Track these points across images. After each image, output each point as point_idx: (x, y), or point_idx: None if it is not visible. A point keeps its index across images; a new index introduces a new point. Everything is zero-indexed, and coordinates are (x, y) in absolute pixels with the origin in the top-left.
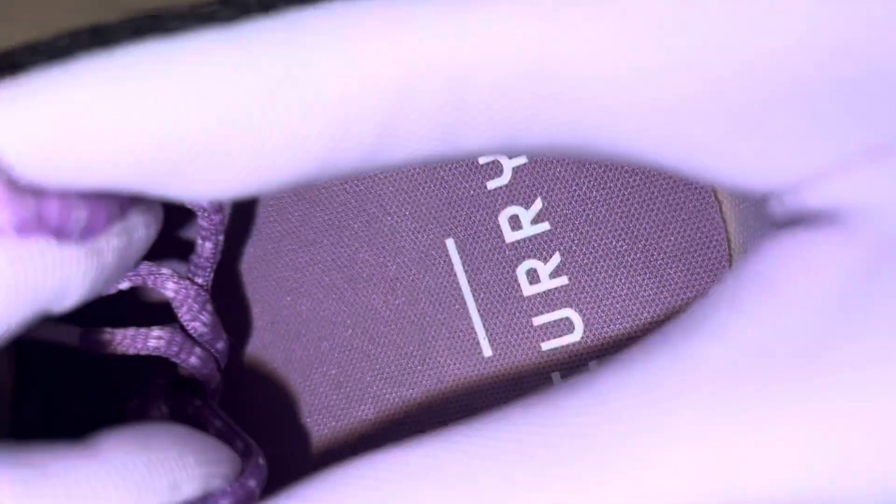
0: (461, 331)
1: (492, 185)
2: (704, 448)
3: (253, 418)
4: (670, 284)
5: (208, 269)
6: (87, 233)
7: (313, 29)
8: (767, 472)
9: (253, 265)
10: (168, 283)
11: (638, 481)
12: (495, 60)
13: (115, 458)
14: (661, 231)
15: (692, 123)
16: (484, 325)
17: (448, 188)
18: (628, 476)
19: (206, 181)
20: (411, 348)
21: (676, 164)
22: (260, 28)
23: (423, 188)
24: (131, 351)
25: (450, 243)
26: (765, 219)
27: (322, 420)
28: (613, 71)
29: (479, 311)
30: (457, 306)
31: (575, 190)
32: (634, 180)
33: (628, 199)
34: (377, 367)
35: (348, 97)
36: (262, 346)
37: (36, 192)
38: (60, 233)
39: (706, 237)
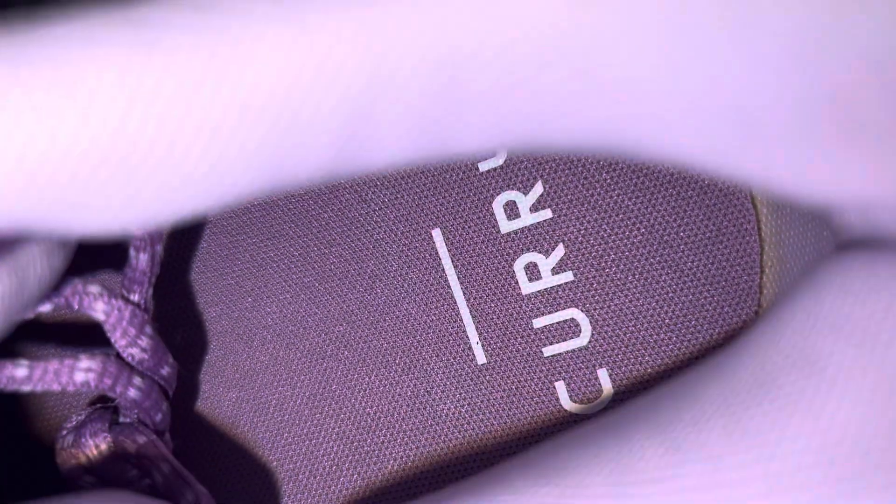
0: (451, 334)
1: (485, 166)
2: None
3: (209, 445)
4: (692, 280)
5: (145, 284)
6: None
7: (244, 4)
8: None
9: (208, 263)
10: (97, 304)
11: None
12: (503, 43)
13: None
14: (682, 218)
15: (787, 127)
16: (477, 328)
17: (434, 171)
18: None
19: (107, 213)
20: (394, 355)
21: (740, 173)
22: (168, 4)
23: (406, 171)
24: (54, 387)
25: (436, 234)
26: (811, 213)
27: (292, 441)
28: (675, 61)
29: (470, 311)
30: (445, 306)
31: (581, 172)
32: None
33: (643, 183)
34: (355, 377)
35: (300, 93)
36: (221, 356)
37: None
38: None
39: (733, 224)
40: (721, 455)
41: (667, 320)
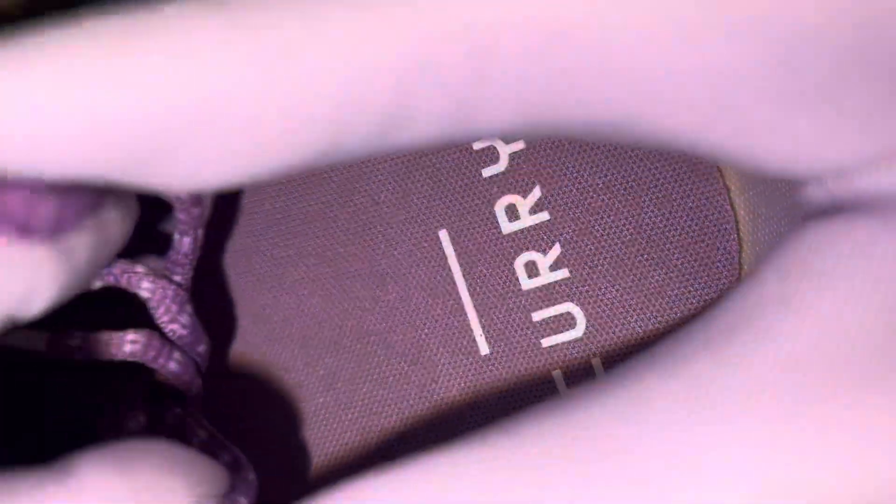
0: (456, 328)
1: (487, 172)
2: (762, 461)
3: (237, 426)
4: (677, 275)
5: (187, 266)
6: (55, 229)
7: None
8: (834, 481)
9: (234, 260)
10: (143, 283)
11: (695, 499)
12: (521, 29)
13: (93, 486)
14: (667, 220)
15: (749, 96)
16: (480, 322)
17: (441, 176)
18: (683, 494)
19: (190, 168)
20: (403, 347)
21: (716, 147)
22: None
23: (415, 176)
24: (104, 356)
25: (443, 235)
26: (781, 206)
27: (311, 425)
28: (658, 35)
29: (474, 306)
30: (451, 302)
31: (575, 177)
32: (638, 166)
33: (632, 187)
34: (367, 367)
35: (358, 71)
36: (246, 347)
37: None
38: (25, 229)
39: (714, 225)
40: (704, 378)
41: (654, 313)
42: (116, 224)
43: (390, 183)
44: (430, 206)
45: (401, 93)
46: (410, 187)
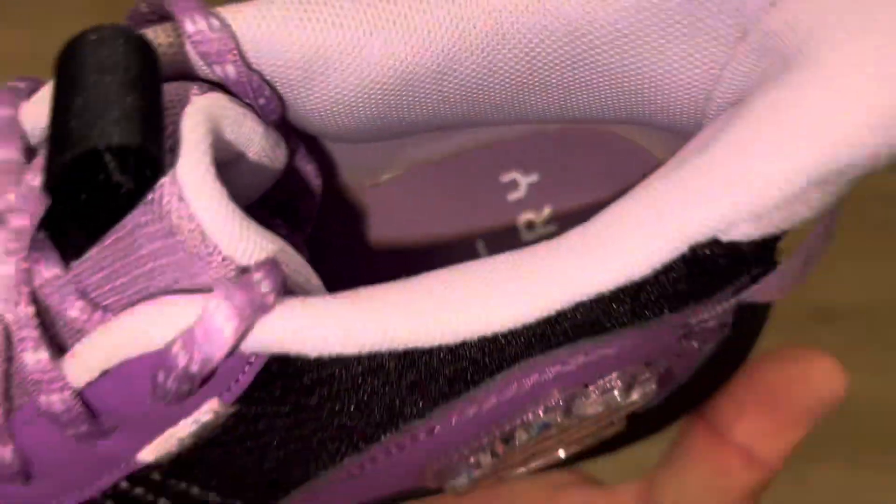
0: None
1: (511, 197)
2: (665, 206)
3: None
4: None
5: (307, 227)
6: (264, 111)
7: None
8: (715, 200)
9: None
10: (280, 230)
11: (632, 241)
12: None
13: None
14: None
15: (647, 28)
16: None
17: (478, 201)
18: (629, 239)
19: (336, 84)
20: None
21: (643, 95)
22: None
23: (459, 202)
24: None
25: (479, 243)
26: None
27: None
28: None
29: None
30: None
31: (576, 199)
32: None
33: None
34: None
35: (451, 33)
36: None
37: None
38: (257, 97)
39: None
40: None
41: None
42: (277, 160)
43: (441, 206)
44: (469, 223)
45: (487, 53)
46: (456, 209)
